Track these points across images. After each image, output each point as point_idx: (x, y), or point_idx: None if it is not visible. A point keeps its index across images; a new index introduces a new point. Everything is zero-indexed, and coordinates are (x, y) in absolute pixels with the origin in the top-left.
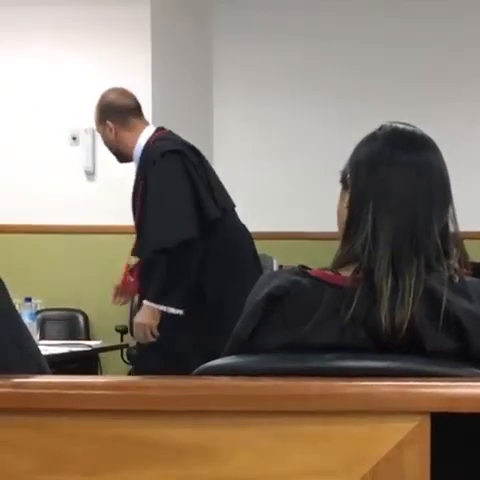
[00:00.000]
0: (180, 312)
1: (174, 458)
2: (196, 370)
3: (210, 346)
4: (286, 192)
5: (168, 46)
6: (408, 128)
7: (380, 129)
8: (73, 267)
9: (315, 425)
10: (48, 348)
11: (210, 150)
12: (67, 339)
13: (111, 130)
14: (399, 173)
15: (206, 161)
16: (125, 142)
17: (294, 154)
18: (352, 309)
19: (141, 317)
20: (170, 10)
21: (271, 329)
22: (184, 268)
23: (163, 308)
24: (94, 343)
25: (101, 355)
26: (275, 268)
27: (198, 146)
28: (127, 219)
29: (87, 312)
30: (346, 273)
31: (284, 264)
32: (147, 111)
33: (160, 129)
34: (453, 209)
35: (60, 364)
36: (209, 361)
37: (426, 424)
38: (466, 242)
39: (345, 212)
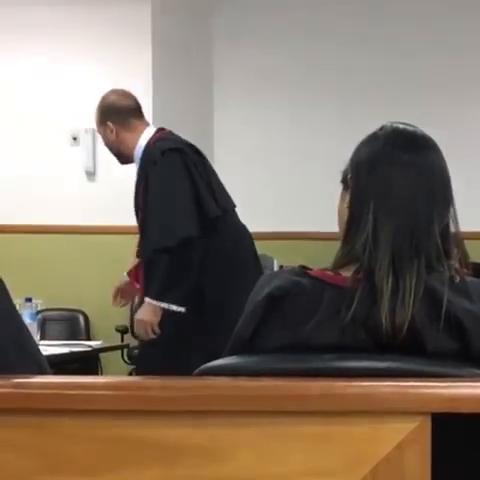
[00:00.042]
0: (182, 309)
1: (174, 458)
2: (197, 370)
3: (210, 346)
4: (286, 193)
5: (169, 47)
6: (409, 128)
7: (381, 129)
8: (73, 267)
9: (315, 425)
10: (48, 348)
11: (210, 151)
12: (67, 339)
13: (112, 131)
14: (400, 173)
15: (207, 160)
16: (126, 143)
17: (294, 155)
18: (353, 309)
19: (142, 314)
20: (171, 12)
21: (271, 329)
22: (185, 266)
23: (165, 305)
24: (94, 343)
25: (102, 355)
26: (275, 268)
27: (199, 147)
28: (127, 219)
29: (87, 312)
30: (347, 273)
31: (284, 264)
32: (147, 112)
33: (160, 130)
34: (454, 209)
35: (60, 364)
36: (209, 361)
37: (427, 424)
38: (466, 242)
39: (346, 212)
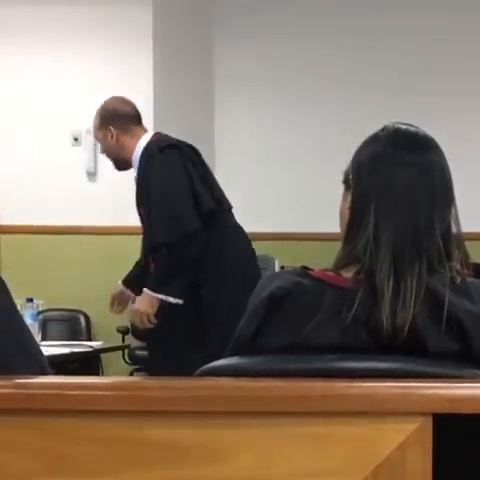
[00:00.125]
0: (179, 301)
1: (176, 459)
2: (198, 371)
3: (205, 346)
4: (288, 193)
5: (170, 47)
6: (411, 129)
7: (383, 129)
8: (75, 268)
9: (317, 426)
10: (49, 349)
11: (211, 151)
12: (68, 340)
13: (113, 136)
14: (401, 173)
15: (205, 162)
16: (126, 147)
17: (296, 155)
18: (353, 310)
19: (139, 304)
20: (172, 12)
21: (273, 330)
22: (184, 260)
23: (162, 297)
24: (95, 344)
25: (102, 356)
26: (277, 269)
27: (200, 147)
28: (128, 219)
29: (88, 313)
30: (348, 274)
31: (286, 265)
32: (149, 112)
33: (157, 133)
34: (455, 210)
35: (61, 365)
36: (207, 361)
37: (428, 425)
38: (467, 243)
39: (347, 213)
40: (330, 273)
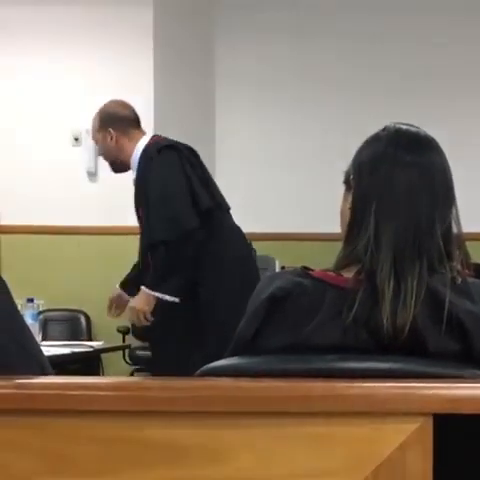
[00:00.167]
0: (176, 300)
1: (176, 459)
2: (199, 371)
3: (204, 346)
4: (289, 194)
5: (170, 48)
6: (412, 129)
7: (384, 130)
8: (75, 268)
9: (317, 426)
10: (50, 349)
11: (212, 152)
12: (69, 340)
13: (112, 138)
14: (402, 174)
15: (203, 164)
16: (124, 150)
17: (297, 158)
18: (354, 310)
19: (135, 302)
20: (172, 12)
21: (273, 330)
22: (182, 257)
23: (159, 295)
24: (96, 344)
25: (103, 356)
26: (277, 269)
27: (200, 148)
28: (129, 220)
29: (89, 313)
30: (348, 274)
31: (286, 265)
32: (149, 112)
33: (155, 136)
34: (456, 210)
35: (62, 365)
36: (207, 361)
37: (428, 425)
38: (468, 243)
39: (348, 213)
40: (331, 273)
